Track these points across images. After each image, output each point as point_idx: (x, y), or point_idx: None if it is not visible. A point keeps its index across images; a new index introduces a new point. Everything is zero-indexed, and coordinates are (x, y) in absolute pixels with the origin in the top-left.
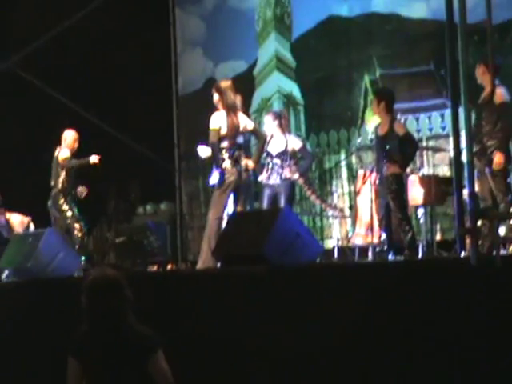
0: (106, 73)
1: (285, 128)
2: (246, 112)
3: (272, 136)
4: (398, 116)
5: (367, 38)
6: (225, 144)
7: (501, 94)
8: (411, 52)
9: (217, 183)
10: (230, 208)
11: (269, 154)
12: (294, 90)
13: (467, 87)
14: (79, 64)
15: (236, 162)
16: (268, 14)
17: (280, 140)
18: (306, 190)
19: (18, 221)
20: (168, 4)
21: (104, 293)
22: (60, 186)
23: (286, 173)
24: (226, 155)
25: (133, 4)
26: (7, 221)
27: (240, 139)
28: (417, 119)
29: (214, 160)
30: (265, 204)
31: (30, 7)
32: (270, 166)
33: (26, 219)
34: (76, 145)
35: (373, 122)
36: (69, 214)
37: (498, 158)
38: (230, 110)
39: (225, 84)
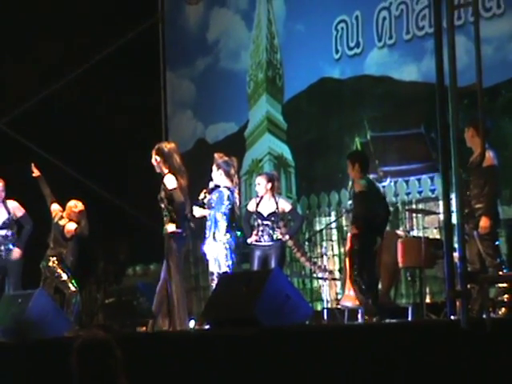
0: (95, 134)
1: (276, 190)
2: (238, 174)
3: (262, 197)
4: (388, 179)
5: (358, 100)
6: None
7: (489, 157)
8: (402, 114)
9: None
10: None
11: (259, 216)
12: (285, 151)
13: (458, 150)
14: (69, 125)
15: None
16: (260, 75)
17: (270, 202)
18: (295, 252)
19: None
20: (159, 67)
21: (94, 354)
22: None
23: (277, 234)
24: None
25: (124, 65)
26: None
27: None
28: (406, 182)
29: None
30: (255, 265)
31: (21, 70)
32: (261, 228)
33: None
34: (82, 218)
35: None
36: (64, 276)
37: (483, 222)
38: (180, 173)
39: (169, 146)
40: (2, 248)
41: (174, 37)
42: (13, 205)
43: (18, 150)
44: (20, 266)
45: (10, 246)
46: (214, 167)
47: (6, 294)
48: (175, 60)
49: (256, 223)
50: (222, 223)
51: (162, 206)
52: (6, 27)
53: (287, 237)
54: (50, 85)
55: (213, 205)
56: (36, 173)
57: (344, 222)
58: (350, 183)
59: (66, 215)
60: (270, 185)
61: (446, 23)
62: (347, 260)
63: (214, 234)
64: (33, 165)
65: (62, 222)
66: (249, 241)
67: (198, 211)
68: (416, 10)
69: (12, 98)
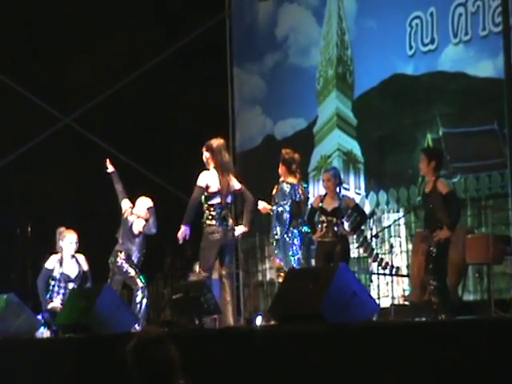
0: (163, 130)
1: (339, 186)
2: (301, 170)
3: (326, 194)
4: (459, 175)
5: (431, 97)
6: (214, 201)
7: None
8: (475, 111)
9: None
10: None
11: (323, 212)
12: (355, 148)
13: None
14: (137, 121)
15: (223, 220)
16: (330, 72)
17: (334, 198)
18: (359, 248)
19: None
20: (226, 62)
21: (148, 352)
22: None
23: (341, 230)
24: (213, 213)
25: (191, 62)
26: None
27: (229, 199)
28: (477, 178)
29: (186, 215)
30: (320, 262)
31: (89, 66)
32: (325, 224)
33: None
34: (150, 215)
35: None
36: (131, 272)
37: None
38: (223, 169)
39: (217, 143)
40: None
41: (242, 33)
42: (81, 258)
43: (85, 146)
44: None
45: None
46: (280, 164)
47: (75, 289)
48: (243, 56)
49: (320, 219)
50: (285, 219)
51: None
52: (75, 24)
53: (352, 232)
54: (118, 82)
55: (276, 201)
56: (110, 168)
57: (412, 219)
58: (421, 179)
59: (135, 212)
60: (335, 180)
61: None
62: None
63: (278, 229)
64: (108, 160)
65: (130, 219)
66: (314, 237)
67: (261, 205)
68: (492, 6)
69: (80, 95)
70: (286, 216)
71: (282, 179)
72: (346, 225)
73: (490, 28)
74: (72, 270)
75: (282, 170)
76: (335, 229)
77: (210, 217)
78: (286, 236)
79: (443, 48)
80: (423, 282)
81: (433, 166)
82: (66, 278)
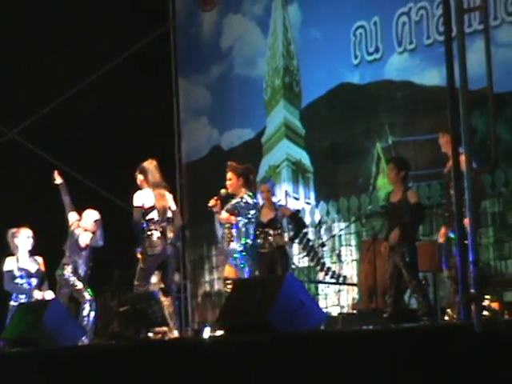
0: (110, 142)
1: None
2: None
3: (264, 205)
4: (410, 184)
5: (379, 106)
6: (152, 216)
7: None
8: (424, 119)
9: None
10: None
11: (260, 224)
12: (303, 157)
13: (470, 154)
14: (83, 133)
15: (162, 234)
16: (277, 82)
17: (271, 208)
18: (307, 258)
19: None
20: (171, 74)
21: None
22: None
23: (278, 240)
24: (152, 227)
25: (136, 73)
26: None
27: (168, 213)
28: (428, 186)
29: (136, 239)
30: (262, 272)
31: (34, 78)
32: (262, 235)
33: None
34: (97, 227)
35: (385, 188)
36: (79, 285)
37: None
38: (156, 187)
39: (148, 164)
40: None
41: (187, 44)
42: (39, 259)
43: (31, 159)
44: None
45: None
46: (232, 175)
47: (22, 303)
48: (189, 67)
49: (258, 231)
50: (241, 231)
51: None
52: (18, 37)
53: (289, 242)
54: (62, 94)
55: (236, 212)
56: (58, 180)
57: (364, 227)
58: (371, 188)
59: (82, 224)
60: (271, 192)
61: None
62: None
63: (231, 240)
64: (56, 172)
65: (77, 232)
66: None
67: (225, 215)
68: (436, 14)
69: (24, 108)
70: (251, 226)
71: (242, 190)
72: (285, 235)
73: (434, 36)
74: (31, 266)
75: (240, 182)
76: (270, 239)
77: (149, 232)
78: (238, 247)
79: (388, 57)
80: (371, 291)
81: (402, 175)
82: (28, 274)
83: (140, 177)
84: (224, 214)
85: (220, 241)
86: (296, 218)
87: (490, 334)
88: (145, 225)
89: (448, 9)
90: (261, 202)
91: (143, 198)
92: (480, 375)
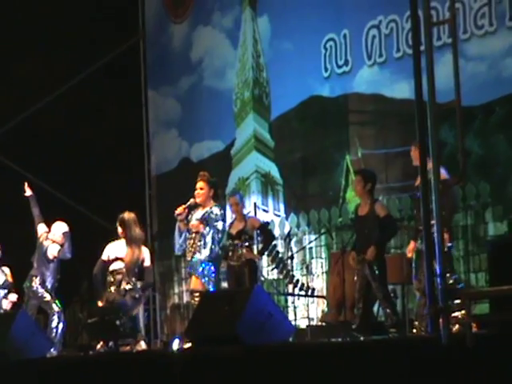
0: (79, 154)
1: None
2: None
3: (236, 218)
4: (380, 197)
5: (349, 118)
6: (115, 267)
7: (441, 174)
8: (394, 132)
9: None
10: None
11: (229, 236)
12: (273, 169)
13: (438, 166)
14: (52, 144)
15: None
16: (246, 94)
17: (241, 220)
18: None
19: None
20: (141, 86)
21: None
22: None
23: (246, 254)
24: (112, 279)
25: (105, 85)
26: None
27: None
28: (399, 199)
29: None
30: (230, 285)
31: (2, 90)
32: (231, 248)
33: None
34: (65, 240)
35: (354, 201)
36: (47, 297)
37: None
38: (132, 242)
39: (128, 217)
40: None
41: (156, 55)
42: (6, 270)
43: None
44: None
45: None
46: (204, 185)
47: None
48: (158, 79)
49: (228, 243)
50: (208, 242)
51: None
52: None
53: (256, 255)
54: (31, 106)
55: (205, 222)
56: (28, 192)
57: (334, 240)
58: (341, 201)
59: (51, 237)
60: (239, 205)
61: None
62: (347, 277)
63: (198, 251)
64: (26, 184)
65: (45, 243)
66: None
67: (196, 223)
68: (406, 28)
69: None
70: (210, 239)
71: (211, 202)
72: (254, 248)
73: (404, 49)
74: None
75: (210, 193)
76: (239, 252)
77: (110, 283)
78: (206, 258)
79: (358, 70)
80: (339, 303)
81: (369, 188)
82: None
83: (119, 228)
84: (195, 222)
85: (182, 252)
86: (265, 230)
87: (457, 346)
88: (108, 276)
89: (417, 22)
90: (231, 215)
91: (111, 251)
92: None
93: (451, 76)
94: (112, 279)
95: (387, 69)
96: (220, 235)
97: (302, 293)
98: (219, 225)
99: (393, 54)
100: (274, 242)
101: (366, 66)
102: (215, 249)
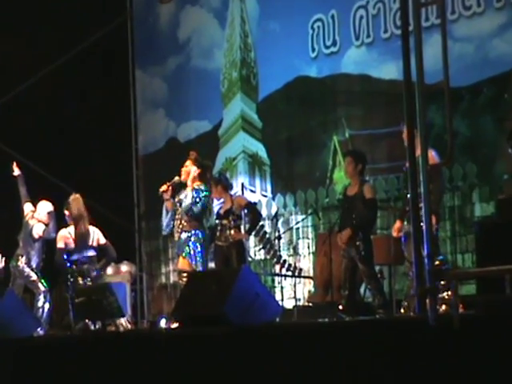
0: (66, 133)
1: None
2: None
3: (221, 200)
4: (367, 177)
5: (336, 99)
6: (74, 257)
7: (431, 156)
8: (381, 112)
9: None
10: None
11: (218, 215)
12: (260, 150)
13: (426, 148)
14: (39, 123)
15: (83, 276)
16: (234, 74)
17: (226, 201)
18: (263, 250)
19: None
20: (128, 65)
21: None
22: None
23: (234, 234)
24: (75, 268)
25: (93, 64)
26: None
27: (89, 252)
28: (385, 180)
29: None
30: (217, 265)
31: None
32: (219, 227)
33: None
34: (50, 219)
35: (341, 182)
36: (33, 276)
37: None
38: (76, 221)
39: (72, 198)
40: None
41: (144, 35)
42: None
43: None
44: None
45: None
46: (190, 164)
47: None
48: (146, 59)
49: (216, 222)
50: (193, 221)
51: None
52: None
53: (243, 235)
54: (18, 85)
55: (186, 202)
56: (16, 171)
57: (321, 221)
58: (328, 181)
59: (36, 216)
60: (219, 186)
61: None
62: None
63: (183, 230)
64: (14, 163)
65: (31, 223)
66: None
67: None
68: (393, 8)
69: None
70: (195, 218)
71: (197, 181)
72: (241, 228)
73: (392, 30)
74: None
75: (196, 172)
76: (227, 233)
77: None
78: (191, 238)
79: (345, 50)
80: (326, 283)
81: (359, 169)
82: None
83: (66, 212)
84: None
85: (169, 232)
86: (252, 209)
87: (444, 327)
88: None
89: (405, 2)
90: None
91: (64, 238)
92: (433, 368)
93: (439, 57)
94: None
95: (375, 49)
96: (206, 213)
97: (289, 273)
98: (197, 206)
99: (380, 35)
100: (261, 223)
101: (353, 47)
102: (202, 227)
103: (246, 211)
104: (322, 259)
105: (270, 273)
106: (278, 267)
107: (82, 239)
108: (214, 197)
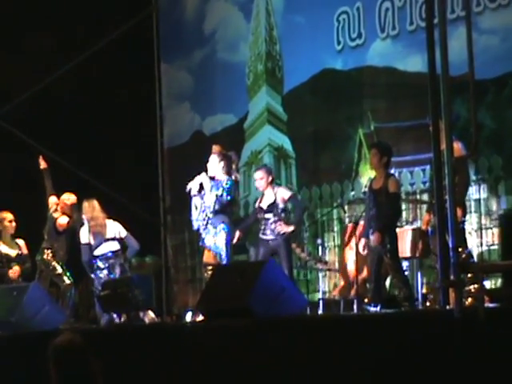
0: (92, 127)
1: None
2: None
3: (263, 193)
4: (392, 170)
5: (362, 92)
6: (98, 252)
7: (458, 148)
8: (407, 105)
9: None
10: None
11: (260, 210)
12: (285, 143)
13: (451, 141)
14: (64, 117)
15: (110, 270)
16: (259, 67)
17: (269, 194)
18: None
19: None
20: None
21: (69, 361)
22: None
23: (280, 228)
24: (100, 264)
25: (118, 58)
26: None
27: (114, 246)
28: (411, 172)
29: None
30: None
31: (15, 63)
32: (263, 222)
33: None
34: (74, 212)
35: (367, 175)
36: (59, 269)
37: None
38: (91, 221)
39: (85, 204)
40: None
41: (169, 28)
42: (21, 242)
43: (11, 142)
44: None
45: None
46: (216, 158)
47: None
48: (171, 52)
49: (260, 216)
50: (220, 215)
51: None
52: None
53: (291, 228)
54: (44, 78)
55: (211, 196)
56: (43, 165)
57: (347, 213)
58: (354, 174)
59: (60, 208)
60: (269, 178)
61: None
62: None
63: (210, 224)
64: (41, 157)
65: (55, 215)
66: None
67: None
68: (419, 1)
69: (4, 92)
70: (222, 212)
71: (215, 174)
72: (287, 221)
73: (417, 23)
74: (12, 251)
75: (220, 165)
76: (272, 227)
77: (97, 268)
78: (217, 232)
79: (371, 43)
80: (352, 276)
81: (384, 161)
82: (6, 259)
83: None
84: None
85: (199, 227)
86: (295, 201)
87: (469, 320)
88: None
89: None
90: (259, 189)
91: (86, 234)
92: (458, 361)
93: (464, 49)
94: (100, 264)
95: (400, 42)
96: (226, 209)
97: (315, 266)
98: (223, 200)
99: (406, 27)
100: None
101: (378, 39)
102: (223, 223)
103: (290, 204)
104: (348, 252)
105: (297, 265)
106: (303, 260)
107: (99, 237)
108: (263, 189)
